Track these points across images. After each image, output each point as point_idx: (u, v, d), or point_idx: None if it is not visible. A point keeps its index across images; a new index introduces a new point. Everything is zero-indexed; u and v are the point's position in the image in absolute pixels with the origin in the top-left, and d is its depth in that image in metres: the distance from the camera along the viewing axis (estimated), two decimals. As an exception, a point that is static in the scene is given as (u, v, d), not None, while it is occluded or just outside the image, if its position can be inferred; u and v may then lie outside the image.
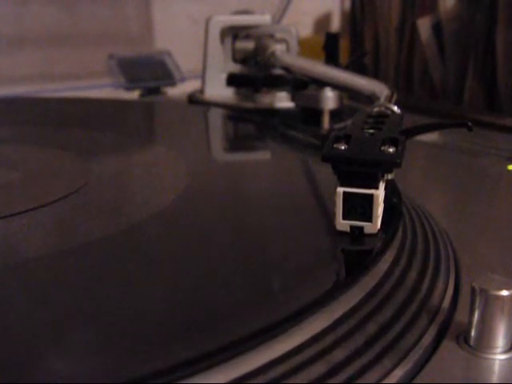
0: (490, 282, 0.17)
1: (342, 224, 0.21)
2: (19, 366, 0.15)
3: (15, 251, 0.22)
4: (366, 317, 0.18)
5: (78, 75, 0.68)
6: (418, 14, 0.58)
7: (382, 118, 0.25)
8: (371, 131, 0.23)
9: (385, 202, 0.22)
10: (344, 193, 0.21)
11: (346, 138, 0.22)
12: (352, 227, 0.21)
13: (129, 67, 0.59)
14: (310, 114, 0.46)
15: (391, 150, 0.21)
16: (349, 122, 0.25)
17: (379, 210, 0.21)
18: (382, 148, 0.21)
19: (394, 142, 0.22)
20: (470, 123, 0.24)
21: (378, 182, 0.21)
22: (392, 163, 0.21)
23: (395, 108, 0.29)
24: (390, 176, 0.22)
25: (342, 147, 0.21)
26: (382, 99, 0.32)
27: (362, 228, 0.21)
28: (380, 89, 0.35)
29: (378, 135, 0.22)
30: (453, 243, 0.25)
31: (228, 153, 0.39)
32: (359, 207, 0.21)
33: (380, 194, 0.21)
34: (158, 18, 0.73)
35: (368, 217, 0.21)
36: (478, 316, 0.17)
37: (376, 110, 0.29)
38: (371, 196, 0.21)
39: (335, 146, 0.21)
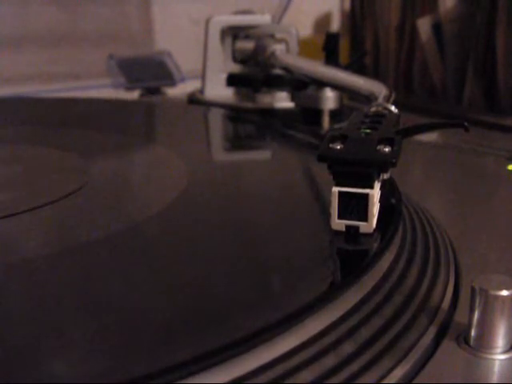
0: (490, 282, 0.17)
1: (338, 223, 0.21)
2: (18, 365, 0.15)
3: (16, 250, 0.22)
4: (366, 316, 0.18)
5: (77, 75, 0.68)
6: (418, 14, 0.58)
7: (379, 117, 0.25)
8: (368, 131, 0.23)
9: (381, 201, 0.22)
10: (339, 192, 0.21)
11: (342, 138, 0.22)
12: (347, 227, 0.21)
13: (129, 67, 0.59)
14: (310, 114, 0.46)
15: (387, 149, 0.21)
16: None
17: (375, 209, 0.21)
18: (378, 148, 0.21)
19: (389, 142, 0.22)
20: (466, 123, 0.24)
21: (373, 182, 0.21)
22: (387, 163, 0.21)
23: (392, 108, 0.29)
24: (385, 176, 0.22)
25: (338, 147, 0.21)
26: (380, 99, 0.32)
27: (357, 227, 0.21)
28: (379, 89, 0.35)
29: (374, 135, 0.22)
30: (453, 243, 0.25)
31: (228, 153, 0.39)
32: (354, 207, 0.21)
33: (375, 193, 0.21)
34: (158, 17, 0.73)
35: (363, 216, 0.21)
36: (478, 316, 0.17)
37: (373, 109, 0.29)
38: (366, 196, 0.21)
39: (331, 145, 0.21)
